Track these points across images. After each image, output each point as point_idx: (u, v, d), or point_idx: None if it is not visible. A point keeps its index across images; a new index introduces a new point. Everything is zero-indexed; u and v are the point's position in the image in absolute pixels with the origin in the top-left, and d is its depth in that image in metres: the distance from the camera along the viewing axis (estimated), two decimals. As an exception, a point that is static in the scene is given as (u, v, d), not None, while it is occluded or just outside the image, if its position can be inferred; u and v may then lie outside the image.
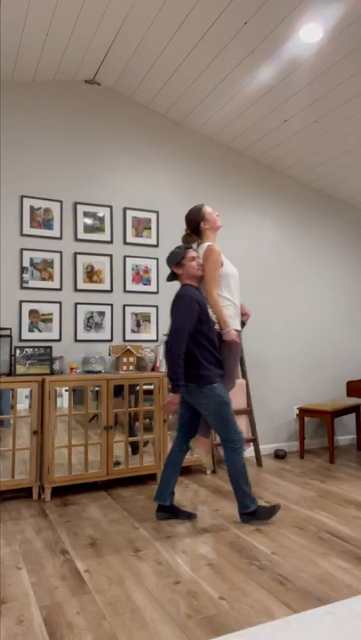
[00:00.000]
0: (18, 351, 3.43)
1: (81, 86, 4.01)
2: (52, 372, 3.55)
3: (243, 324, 3.01)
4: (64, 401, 3.36)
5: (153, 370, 3.89)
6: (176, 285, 4.26)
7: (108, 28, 3.24)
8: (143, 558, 2.32)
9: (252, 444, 4.23)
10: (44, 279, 3.76)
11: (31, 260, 3.73)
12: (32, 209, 3.76)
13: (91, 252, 3.94)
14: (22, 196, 3.73)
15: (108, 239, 4.02)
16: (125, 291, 4.06)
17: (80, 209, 3.93)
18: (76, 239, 3.90)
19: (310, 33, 3.02)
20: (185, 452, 2.90)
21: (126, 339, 4.02)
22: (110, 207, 4.04)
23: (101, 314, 3.93)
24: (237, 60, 3.38)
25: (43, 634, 1.72)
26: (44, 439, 3.25)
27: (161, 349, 3.87)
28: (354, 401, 4.90)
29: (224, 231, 4.44)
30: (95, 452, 3.40)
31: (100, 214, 4.00)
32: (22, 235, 3.72)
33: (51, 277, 3.78)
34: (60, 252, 3.83)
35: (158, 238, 4.23)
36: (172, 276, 2.92)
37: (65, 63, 3.67)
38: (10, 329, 3.57)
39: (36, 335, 3.69)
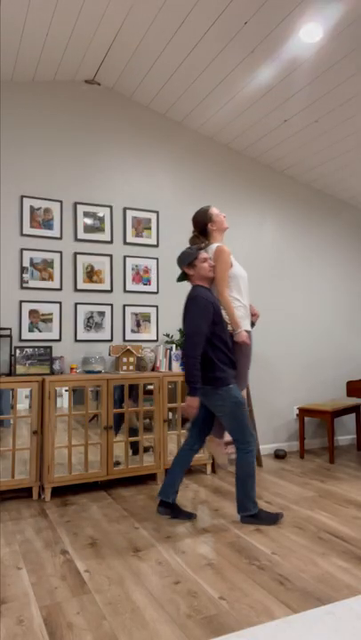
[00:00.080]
0: (18, 351, 3.43)
1: (81, 86, 4.01)
2: (52, 372, 3.55)
3: (252, 324, 3.02)
4: (64, 401, 3.36)
5: (153, 370, 3.89)
6: (178, 286, 4.26)
7: (108, 28, 3.24)
8: (143, 558, 2.32)
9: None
10: (44, 279, 3.76)
11: (31, 259, 3.73)
12: (32, 209, 3.76)
13: (91, 252, 3.94)
14: (22, 196, 3.73)
15: (108, 239, 4.02)
16: (125, 291, 4.06)
17: (80, 209, 3.93)
18: (76, 239, 3.90)
19: (310, 33, 3.02)
20: (195, 452, 2.90)
21: (126, 339, 4.02)
22: (110, 207, 4.04)
23: (101, 314, 3.93)
24: (237, 60, 3.38)
25: (43, 634, 1.72)
26: (44, 439, 3.25)
27: (161, 349, 3.87)
28: (354, 401, 4.90)
29: (224, 231, 4.44)
30: (95, 452, 3.40)
31: (100, 214, 4.00)
32: (22, 235, 3.72)
33: (51, 277, 3.78)
34: (60, 252, 3.83)
35: (158, 238, 4.23)
36: (183, 277, 2.91)
37: (65, 63, 3.67)
38: (10, 329, 3.57)
39: (36, 335, 3.69)
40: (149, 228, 4.20)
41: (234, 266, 2.88)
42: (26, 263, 3.71)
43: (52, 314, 3.76)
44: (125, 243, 4.09)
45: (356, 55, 3.17)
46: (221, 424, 2.92)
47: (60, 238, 3.85)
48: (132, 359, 3.72)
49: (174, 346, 3.91)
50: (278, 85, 3.57)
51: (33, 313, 3.69)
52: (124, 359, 3.70)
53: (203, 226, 2.97)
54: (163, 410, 3.59)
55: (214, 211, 2.97)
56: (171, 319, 4.22)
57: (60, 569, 2.22)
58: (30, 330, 3.68)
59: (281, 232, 4.82)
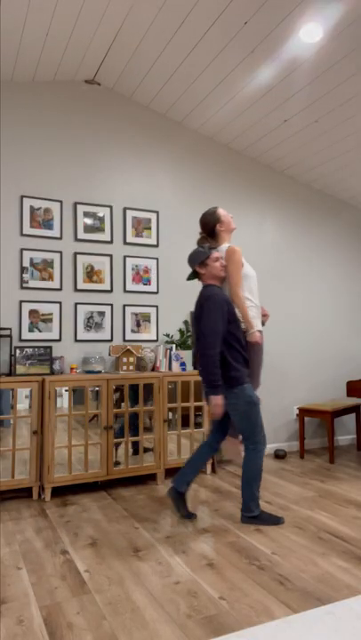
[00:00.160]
0: (18, 351, 3.43)
1: (81, 86, 4.01)
2: (52, 372, 3.55)
3: (262, 324, 3.03)
4: (64, 401, 3.36)
5: (153, 370, 3.89)
6: (178, 286, 4.26)
7: (108, 28, 3.24)
8: (143, 558, 2.32)
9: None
10: (44, 279, 3.76)
11: (31, 259, 3.73)
12: (32, 209, 3.76)
13: (91, 252, 3.94)
14: (22, 196, 3.73)
15: (108, 239, 4.02)
16: (125, 291, 4.06)
17: (80, 209, 3.93)
18: (76, 239, 3.90)
19: (310, 33, 3.02)
20: (215, 451, 2.91)
21: (126, 339, 4.02)
22: (110, 207, 4.04)
23: (101, 314, 3.93)
24: (237, 60, 3.38)
25: (43, 634, 1.72)
26: (44, 439, 3.25)
27: (161, 349, 3.87)
28: (354, 401, 4.90)
29: (224, 231, 4.44)
30: (95, 452, 3.40)
31: (100, 214, 4.00)
32: (22, 235, 3.72)
33: (51, 277, 3.78)
34: (60, 252, 3.83)
35: (158, 238, 4.23)
36: (194, 276, 2.92)
37: (65, 63, 3.67)
38: (10, 329, 3.57)
39: (36, 335, 3.69)
40: (149, 228, 4.20)
41: (244, 265, 2.89)
42: (26, 263, 3.71)
43: (52, 314, 3.76)
44: (125, 243, 4.09)
45: (357, 55, 3.17)
46: None
47: (60, 238, 3.85)
48: (132, 359, 3.72)
49: (174, 346, 3.91)
50: (278, 85, 3.57)
51: (33, 313, 3.69)
52: (124, 359, 3.70)
53: (211, 227, 2.98)
54: (163, 410, 3.59)
55: (222, 212, 2.99)
56: (171, 319, 4.22)
57: (60, 569, 2.22)
58: (30, 330, 3.68)
59: (281, 232, 4.82)
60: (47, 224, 3.80)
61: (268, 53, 3.26)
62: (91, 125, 4.03)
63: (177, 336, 4.23)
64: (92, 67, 3.79)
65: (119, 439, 3.46)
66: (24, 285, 3.69)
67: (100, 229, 3.99)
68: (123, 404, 3.51)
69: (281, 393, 4.67)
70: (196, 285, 4.33)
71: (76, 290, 3.87)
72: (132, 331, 4.05)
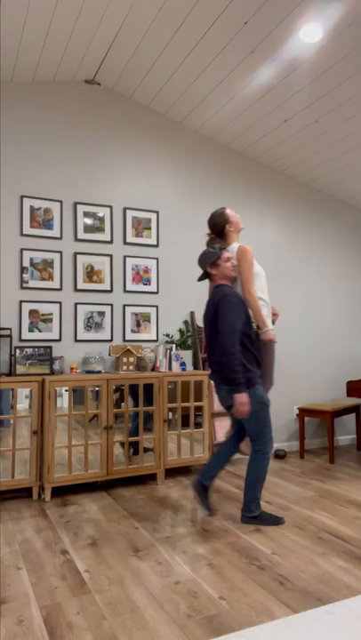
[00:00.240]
0: (18, 351, 3.43)
1: (81, 86, 4.01)
2: (52, 372, 3.55)
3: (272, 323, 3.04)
4: (64, 401, 3.36)
5: (153, 370, 3.89)
6: (178, 286, 4.26)
7: (108, 28, 3.24)
8: (143, 558, 2.32)
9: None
10: (44, 279, 3.76)
11: (31, 259, 3.73)
12: (32, 209, 3.76)
13: (91, 252, 3.94)
14: (22, 196, 3.73)
15: (108, 239, 4.02)
16: (125, 291, 4.06)
17: (80, 209, 3.93)
18: (76, 239, 3.90)
19: (310, 33, 3.02)
20: (234, 452, 2.91)
21: (126, 339, 4.02)
22: (110, 207, 4.04)
23: (101, 314, 3.93)
24: (237, 60, 3.38)
25: (43, 634, 1.72)
26: (44, 439, 3.25)
27: (161, 349, 3.87)
28: (354, 401, 4.90)
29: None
30: (95, 452, 3.40)
31: (100, 214, 4.00)
32: (22, 235, 3.72)
33: (51, 277, 3.78)
34: (60, 252, 3.83)
35: (158, 238, 4.23)
36: (205, 276, 2.91)
37: (65, 63, 3.67)
38: (10, 329, 3.57)
39: (36, 335, 3.69)
40: (149, 228, 4.20)
41: (254, 265, 2.89)
42: (26, 263, 3.71)
43: (52, 314, 3.76)
44: (125, 243, 4.09)
45: (357, 55, 3.17)
46: None
47: (60, 238, 3.85)
48: (132, 359, 3.72)
49: (174, 346, 3.91)
50: (278, 85, 3.57)
51: (33, 313, 3.69)
52: (124, 359, 3.70)
53: (221, 228, 2.98)
54: (163, 410, 3.59)
55: (230, 212, 2.99)
56: (171, 319, 4.22)
57: (60, 569, 2.22)
58: (30, 330, 3.68)
59: (281, 232, 4.82)
60: (47, 224, 3.80)
61: (268, 53, 3.26)
62: (91, 125, 4.03)
63: (177, 336, 4.23)
64: (92, 67, 3.79)
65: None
66: (24, 285, 3.69)
67: (100, 229, 3.99)
68: (123, 403, 3.51)
69: (281, 393, 4.67)
70: (196, 285, 4.34)
71: (76, 290, 3.87)
72: (132, 331, 4.05)
